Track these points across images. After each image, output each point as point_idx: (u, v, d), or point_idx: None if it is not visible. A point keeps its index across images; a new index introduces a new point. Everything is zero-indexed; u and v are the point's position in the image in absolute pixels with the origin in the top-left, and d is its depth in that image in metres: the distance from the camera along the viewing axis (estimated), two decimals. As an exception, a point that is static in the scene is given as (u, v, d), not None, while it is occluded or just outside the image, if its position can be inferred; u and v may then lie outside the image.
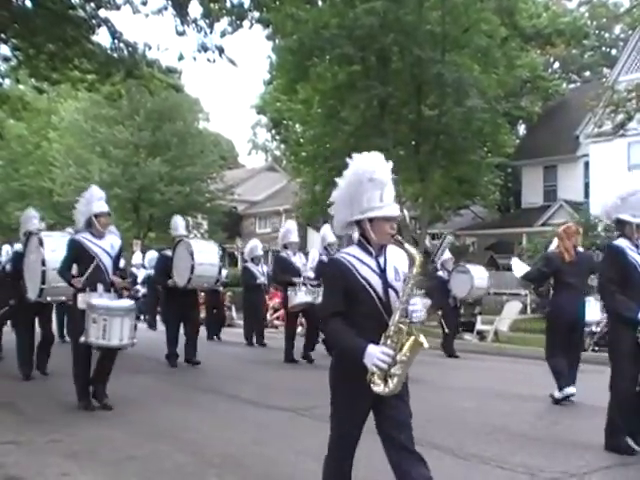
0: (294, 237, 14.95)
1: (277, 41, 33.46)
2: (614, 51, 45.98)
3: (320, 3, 29.38)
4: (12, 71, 18.25)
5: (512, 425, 8.25)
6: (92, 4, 16.02)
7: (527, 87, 42.04)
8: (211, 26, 16.51)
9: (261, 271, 18.89)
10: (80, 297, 8.67)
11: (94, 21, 16.08)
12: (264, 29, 25.85)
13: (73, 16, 15.79)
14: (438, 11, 30.48)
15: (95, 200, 9.12)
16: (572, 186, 35.25)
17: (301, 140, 38.92)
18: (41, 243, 10.15)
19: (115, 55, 16.56)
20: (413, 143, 33.48)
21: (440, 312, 16.76)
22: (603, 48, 48.50)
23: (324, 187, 35.63)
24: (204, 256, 13.14)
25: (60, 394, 9.82)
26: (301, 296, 13.89)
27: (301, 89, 33.72)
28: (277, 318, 25.82)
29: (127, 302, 8.96)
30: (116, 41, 16.41)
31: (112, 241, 9.08)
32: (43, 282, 9.97)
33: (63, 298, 10.30)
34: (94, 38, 16.54)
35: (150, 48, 16.71)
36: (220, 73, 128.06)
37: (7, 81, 20.93)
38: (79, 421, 8.21)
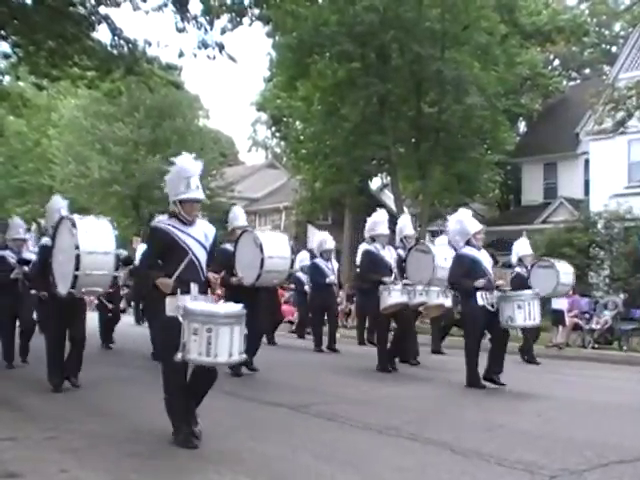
0: (383, 228, 13.22)
1: (277, 38, 33.47)
2: (614, 48, 45.91)
3: (320, 0, 29.39)
4: (12, 68, 18.27)
5: (511, 422, 8.25)
6: (92, 1, 16.03)
7: (527, 84, 42.02)
8: (211, 23, 16.52)
9: (331, 268, 17.38)
10: (169, 301, 6.84)
11: (94, 18, 16.09)
12: (264, 26, 25.93)
13: (73, 13, 15.79)
14: (438, 8, 30.53)
15: (184, 181, 7.28)
16: (572, 183, 35.23)
17: (301, 137, 38.92)
18: (74, 225, 8.67)
19: (115, 52, 16.56)
20: (413, 140, 33.53)
21: None
22: (603, 45, 48.43)
23: (324, 184, 35.71)
24: (274, 248, 11.57)
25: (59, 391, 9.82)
26: (396, 296, 12.42)
27: (301, 86, 33.75)
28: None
29: (235, 306, 6.75)
30: (116, 38, 16.42)
31: (205, 229, 7.32)
32: (77, 268, 8.33)
33: (100, 289, 9.20)
34: (94, 35, 16.57)
35: (150, 45, 16.73)
36: (220, 70, 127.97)
37: (7, 78, 20.95)
38: (78, 417, 8.19)
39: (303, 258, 20.02)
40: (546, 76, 42.95)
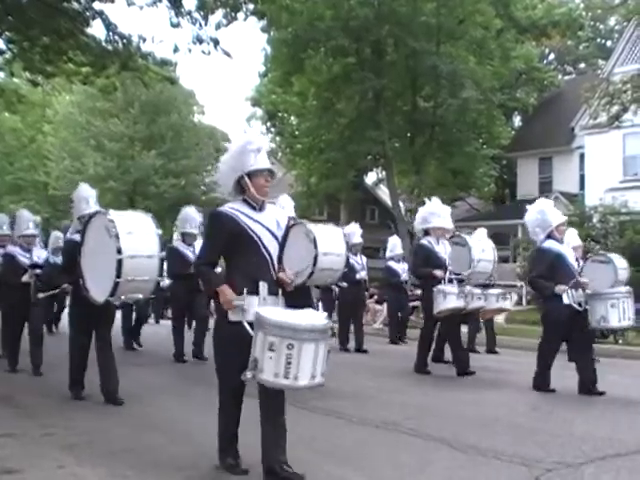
0: (438, 221, 12.06)
1: (272, 33, 33.44)
2: (609, 43, 45.98)
3: (314, -5, 29.41)
4: (6, 64, 18.20)
5: (508, 416, 8.26)
6: (86, -4, 16.00)
7: (522, 79, 42.02)
8: (206, 18, 16.49)
9: (360, 263, 16.30)
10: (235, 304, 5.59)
11: (88, 13, 16.05)
12: (259, 21, 25.90)
13: (67, 8, 15.76)
14: (433, 2, 30.51)
15: (252, 153, 5.89)
16: (567, 178, 35.28)
17: (296, 132, 38.97)
18: (114, 224, 7.68)
19: (110, 47, 16.52)
20: (408, 135, 33.57)
21: None
22: (598, 40, 48.47)
23: (319, 179, 35.72)
24: (329, 243, 10.41)
25: (56, 387, 9.80)
26: (452, 300, 11.39)
27: (296, 81, 33.73)
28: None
29: (320, 318, 5.41)
30: (111, 33, 16.38)
31: (277, 215, 6.08)
32: (118, 275, 7.44)
33: (140, 296, 8.11)
34: (88, 31, 16.51)
35: (145, 40, 16.67)
36: (215, 65, 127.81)
37: (1, 74, 20.97)
38: (75, 413, 8.20)
39: None
40: (541, 70, 42.97)
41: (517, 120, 47.13)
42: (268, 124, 52.31)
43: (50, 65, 17.12)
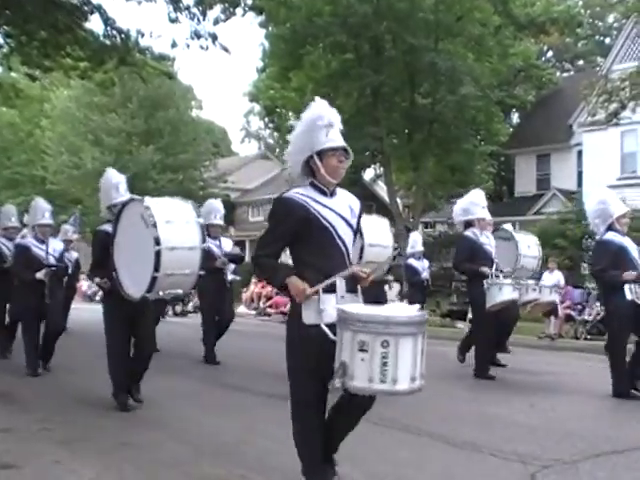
0: (482, 212, 11.23)
1: (270, 29, 33.43)
2: (608, 40, 45.98)
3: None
4: (4, 58, 18.20)
5: (504, 413, 8.26)
6: (84, -9, 15.99)
7: (521, 76, 42.04)
8: (204, 13, 16.51)
9: (423, 267, 17.05)
10: (307, 304, 4.75)
11: (86, 8, 16.06)
12: (257, 16, 25.91)
13: (65, 3, 15.76)
14: (432, -1, 30.48)
15: (323, 129, 5.04)
16: (565, 175, 35.27)
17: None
18: (150, 213, 7.04)
19: (108, 42, 16.54)
20: (406, 131, 33.56)
21: None
22: (597, 37, 48.51)
23: (317, 175, 35.63)
24: (375, 234, 9.94)
25: (53, 382, 9.81)
26: (507, 292, 10.75)
27: (294, 77, 33.71)
28: (269, 306, 25.89)
29: (415, 308, 4.62)
30: (108, 28, 16.39)
31: (350, 201, 5.18)
32: (157, 268, 6.85)
33: (180, 292, 7.60)
34: (86, 25, 16.54)
35: (143, 35, 16.71)
36: (213, 61, 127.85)
37: (-1, 69, 20.90)
38: (71, 409, 8.20)
39: None
40: (540, 67, 43.00)
41: (515, 117, 47.17)
42: (266, 119, 52.37)
43: (48, 59, 17.11)
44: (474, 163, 35.33)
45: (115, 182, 8.51)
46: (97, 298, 34.15)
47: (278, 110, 44.50)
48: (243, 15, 17.97)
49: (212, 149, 48.07)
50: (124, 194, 8.35)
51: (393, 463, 6.03)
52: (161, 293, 7.19)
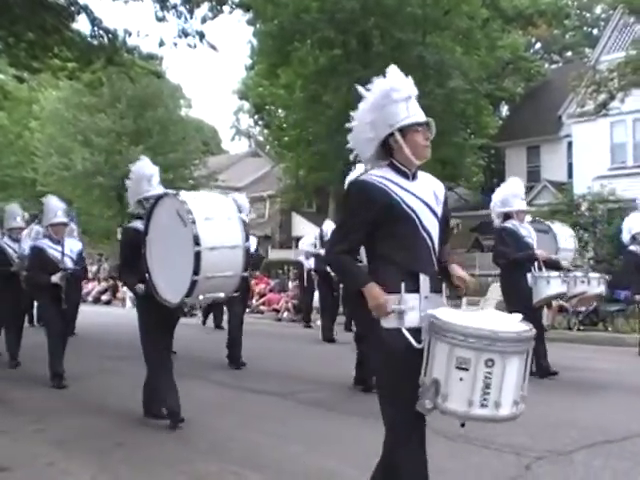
0: (521, 203, 10.79)
1: (258, 26, 33.40)
2: (595, 31, 46.06)
3: (300, -13, 29.37)
4: (-8, 60, 18.16)
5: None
6: (71, -9, 15.95)
7: (509, 68, 42.08)
8: (191, 12, 16.48)
9: None
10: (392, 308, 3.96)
11: (73, 8, 16.00)
12: (244, 14, 25.86)
13: (52, 3, 15.71)
14: (419, -7, 30.48)
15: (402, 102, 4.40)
16: (555, 166, 35.34)
17: (284, 125, 38.88)
18: (188, 209, 6.38)
19: (95, 42, 16.48)
20: (396, 126, 33.52)
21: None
22: (584, 28, 48.58)
23: (308, 172, 35.71)
24: None
25: (46, 384, 9.80)
26: (556, 285, 10.16)
27: (283, 74, 33.69)
28: (262, 304, 25.87)
29: (517, 321, 4.00)
30: (96, 28, 16.34)
31: (434, 186, 4.47)
32: (196, 271, 6.21)
33: (222, 295, 6.71)
34: (74, 26, 16.47)
35: (130, 35, 16.64)
36: (202, 59, 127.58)
37: (-13, 71, 20.86)
38: (64, 410, 8.20)
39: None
40: (528, 60, 43.04)
41: (504, 110, 47.22)
42: (255, 117, 52.32)
43: (36, 61, 17.05)
44: (464, 156, 35.36)
45: (148, 174, 7.70)
46: (104, 298, 34.25)
47: (267, 107, 44.47)
48: (230, 12, 17.89)
49: (202, 147, 48.01)
50: (156, 187, 7.62)
51: (387, 457, 6.04)
52: (201, 297, 6.58)
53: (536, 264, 10.17)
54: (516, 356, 3.72)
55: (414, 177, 4.32)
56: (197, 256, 6.19)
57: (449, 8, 30.96)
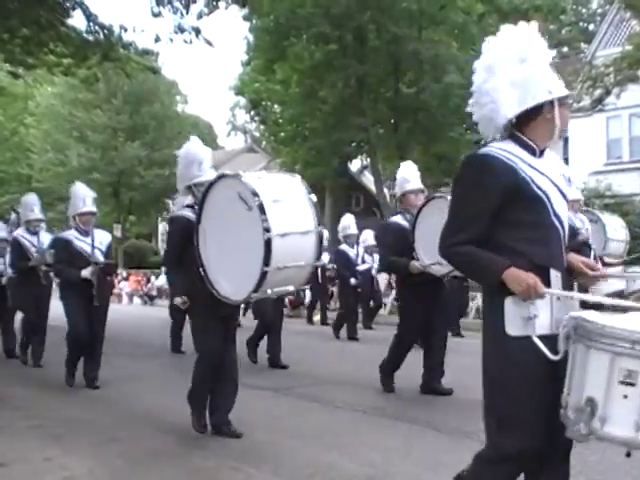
0: (576, 192, 9.95)
1: (254, 21, 33.34)
2: (591, 26, 46.04)
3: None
4: (-14, 57, 18.12)
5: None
6: (66, -14, 15.94)
7: (505, 63, 42.04)
8: (187, 7, 16.48)
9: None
10: (511, 307, 3.36)
11: (68, 4, 16.00)
12: (240, 9, 25.81)
13: (47, -1, 15.69)
14: (414, -12, 30.44)
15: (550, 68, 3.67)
16: (551, 161, 35.38)
17: (280, 120, 38.84)
18: (253, 191, 5.53)
19: (90, 38, 16.48)
20: (392, 121, 33.50)
21: None
22: (580, 23, 48.53)
23: (304, 167, 35.65)
24: None
25: (41, 379, 9.79)
26: (613, 283, 9.24)
27: (279, 69, 33.63)
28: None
29: None
30: (91, 24, 16.33)
31: (560, 167, 3.90)
32: (267, 262, 5.37)
33: (291, 288, 6.02)
34: (69, 21, 16.46)
35: (126, 30, 16.66)
36: (198, 55, 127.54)
37: (-18, 67, 20.82)
38: (60, 405, 8.19)
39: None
40: (524, 55, 43.00)
41: (500, 105, 47.21)
42: (252, 113, 52.21)
43: (31, 57, 17.04)
44: (460, 151, 35.26)
45: (199, 157, 6.81)
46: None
47: (263, 103, 44.42)
48: (226, 8, 17.91)
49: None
50: (208, 171, 6.76)
51: (381, 450, 6.05)
52: (269, 291, 5.68)
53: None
54: None
55: (541, 154, 3.65)
56: (268, 244, 5.35)
57: (445, 3, 30.90)
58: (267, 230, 5.33)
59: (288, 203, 5.65)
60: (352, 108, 31.42)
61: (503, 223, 3.43)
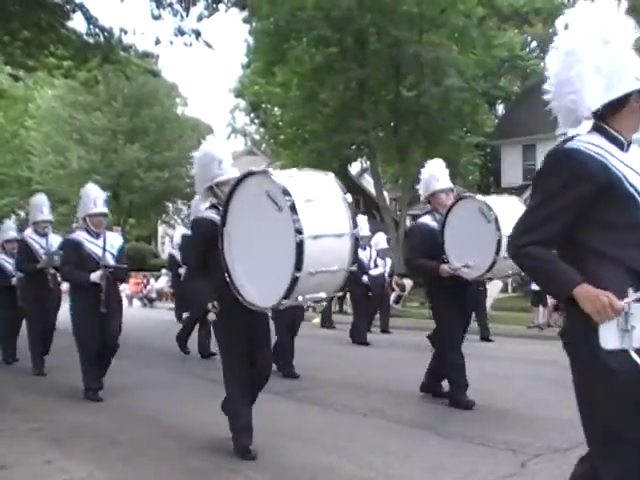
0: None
1: (254, 24, 33.37)
2: (591, 29, 46.09)
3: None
4: (-13, 59, 18.14)
5: (494, 403, 8.27)
6: (66, -12, 15.95)
7: (505, 67, 42.12)
8: (187, 10, 16.50)
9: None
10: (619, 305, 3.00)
11: (68, 6, 16.02)
12: (240, 12, 25.85)
13: (47, 2, 15.71)
14: (415, -9, 30.47)
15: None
16: (551, 165, 35.37)
17: (280, 123, 38.89)
18: (284, 189, 5.11)
19: (91, 41, 16.50)
20: (392, 124, 33.54)
21: None
22: (580, 26, 48.59)
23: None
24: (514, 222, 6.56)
25: (42, 382, 9.79)
26: None
27: (279, 72, 33.69)
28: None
29: None
30: (91, 26, 16.35)
31: None
32: (298, 266, 5.00)
33: (324, 296, 5.47)
34: (69, 24, 16.48)
35: (126, 33, 16.68)
36: (198, 58, 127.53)
37: (-18, 70, 20.84)
38: (61, 408, 8.18)
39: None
40: (524, 58, 43.09)
41: (500, 108, 47.26)
42: (252, 115, 52.25)
43: (31, 59, 17.06)
44: (460, 155, 35.41)
45: (219, 155, 6.42)
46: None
47: (263, 105, 44.46)
48: (226, 11, 17.95)
49: (198, 146, 47.97)
50: (229, 170, 6.38)
51: (381, 453, 6.04)
52: (300, 298, 5.28)
53: None
54: None
55: (628, 148, 3.31)
56: (299, 247, 4.96)
57: (445, 6, 30.94)
58: (299, 232, 4.96)
59: (321, 203, 5.27)
60: (352, 111, 31.47)
61: (589, 224, 3.16)
